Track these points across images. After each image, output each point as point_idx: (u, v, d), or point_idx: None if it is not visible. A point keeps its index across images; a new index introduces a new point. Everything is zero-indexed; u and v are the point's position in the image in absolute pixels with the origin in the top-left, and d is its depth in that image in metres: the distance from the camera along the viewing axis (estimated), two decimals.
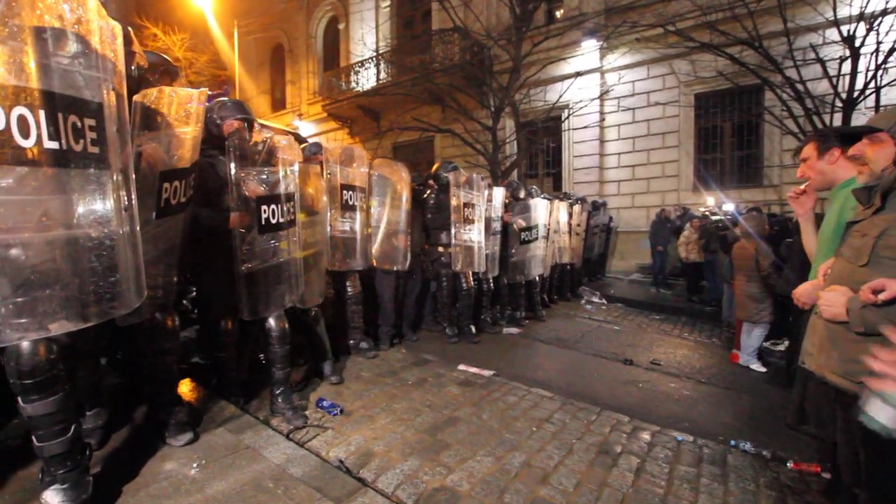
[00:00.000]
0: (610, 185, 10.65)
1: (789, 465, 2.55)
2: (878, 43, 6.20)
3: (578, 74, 10.02)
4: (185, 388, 2.78)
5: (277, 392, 2.60)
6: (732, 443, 2.79)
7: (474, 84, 10.09)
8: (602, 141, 10.59)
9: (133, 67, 1.98)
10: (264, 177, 2.36)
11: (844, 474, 1.65)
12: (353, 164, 3.63)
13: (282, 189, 2.45)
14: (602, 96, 10.24)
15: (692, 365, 4.54)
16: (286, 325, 2.58)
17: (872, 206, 1.43)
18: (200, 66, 18.16)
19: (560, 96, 9.92)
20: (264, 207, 2.34)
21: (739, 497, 2.21)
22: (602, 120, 10.45)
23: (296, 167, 2.57)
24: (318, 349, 3.24)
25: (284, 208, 2.48)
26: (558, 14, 11.27)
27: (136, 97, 1.56)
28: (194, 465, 1.95)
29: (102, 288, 1.38)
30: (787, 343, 4.80)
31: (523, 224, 5.44)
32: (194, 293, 3.07)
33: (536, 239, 5.67)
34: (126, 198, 1.52)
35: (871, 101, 6.42)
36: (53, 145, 1.26)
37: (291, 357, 2.74)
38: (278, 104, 18.78)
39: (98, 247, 1.38)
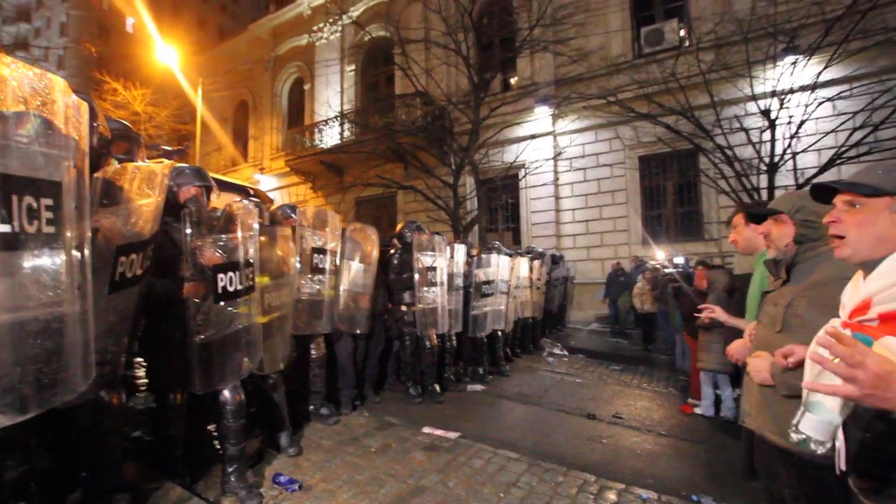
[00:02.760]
0: (566, 238, 11.13)
1: None
2: (790, 116, 7.05)
3: (533, 137, 10.71)
4: (127, 468, 2.55)
5: (230, 470, 2.44)
6: (695, 498, 2.82)
7: (436, 144, 10.55)
8: (557, 198, 11.17)
9: (95, 139, 1.98)
10: (222, 244, 2.34)
11: None
12: (325, 229, 3.65)
13: (240, 256, 2.43)
14: (555, 157, 10.94)
15: (652, 417, 4.63)
16: (242, 397, 2.47)
17: (781, 278, 1.62)
18: (161, 120, 18.08)
19: (517, 157, 10.51)
20: (221, 276, 2.29)
21: None
22: (556, 179, 11.10)
23: (255, 231, 2.57)
24: (275, 419, 3.07)
25: (243, 275, 2.44)
26: (513, 81, 12.18)
27: (97, 174, 1.55)
28: None
29: (46, 374, 1.31)
30: (737, 392, 5.00)
31: (484, 278, 5.55)
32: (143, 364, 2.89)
33: (494, 294, 5.77)
34: (80, 275, 1.48)
35: (790, 164, 7.19)
36: (5, 228, 1.23)
37: (246, 429, 2.61)
38: (240, 158, 18.77)
39: (44, 330, 1.32)
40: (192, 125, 17.71)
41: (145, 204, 1.89)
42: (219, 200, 3.04)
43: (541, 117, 11.07)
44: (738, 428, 4.19)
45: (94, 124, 1.95)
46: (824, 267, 1.50)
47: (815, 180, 7.24)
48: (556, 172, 11.08)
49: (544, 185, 11.11)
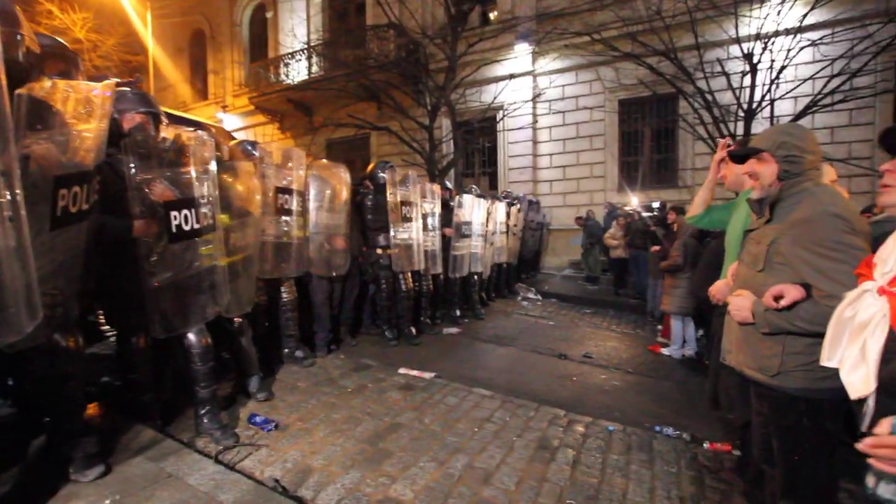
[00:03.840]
0: (543, 184, 11.06)
1: (706, 445, 2.78)
2: (772, 61, 6.94)
3: (512, 77, 10.28)
4: (94, 413, 2.49)
5: (203, 412, 2.40)
6: (657, 428, 2.99)
7: (410, 81, 10.02)
8: (535, 142, 10.96)
9: (21, 53, 1.72)
10: (174, 178, 2.14)
11: (756, 453, 1.82)
12: (289, 166, 3.44)
13: (196, 191, 2.25)
14: (534, 99, 10.59)
15: (620, 356, 4.84)
16: (209, 341, 2.39)
17: (764, 216, 1.59)
18: (107, 49, 16.38)
19: (495, 97, 10.12)
20: (175, 213, 2.12)
21: (664, 480, 2.38)
22: (535, 122, 10.82)
23: (213, 165, 2.37)
24: (244, 364, 3.00)
25: (201, 212, 2.27)
26: (493, 16, 11.49)
27: (19, 91, 1.34)
28: (107, 501, 1.74)
29: None
30: (700, 332, 5.25)
31: (464, 218, 5.49)
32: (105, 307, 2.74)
33: (472, 236, 5.73)
34: (11, 206, 1.31)
35: (767, 111, 7.17)
36: None
37: (217, 372, 2.55)
38: (200, 94, 17.44)
39: None
40: (144, 56, 16.20)
41: (86, 129, 1.68)
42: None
43: (520, 55, 10.59)
44: (700, 364, 4.46)
45: (18, 35, 1.69)
46: (807, 203, 1.47)
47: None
48: (534, 115, 10.78)
49: (522, 128, 10.83)
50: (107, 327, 3.04)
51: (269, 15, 15.04)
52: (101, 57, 16.17)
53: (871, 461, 0.93)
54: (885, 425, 0.90)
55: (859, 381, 1.03)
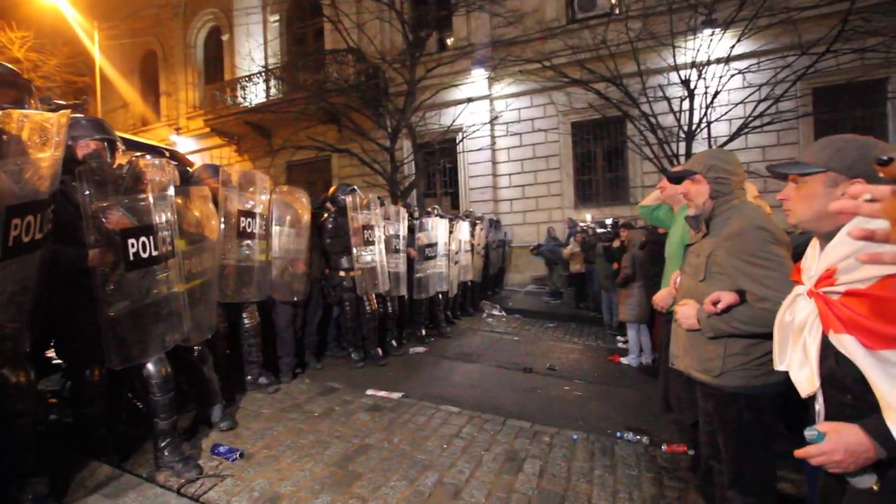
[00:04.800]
0: (503, 203, 11.37)
1: (663, 447, 2.93)
2: (706, 87, 7.56)
3: (470, 100, 10.62)
4: (45, 451, 2.34)
5: (163, 444, 2.31)
6: (618, 434, 3.13)
7: (370, 104, 10.15)
8: (494, 162, 11.30)
9: None
10: (131, 205, 2.11)
11: (704, 450, 1.96)
12: (252, 190, 3.43)
13: (154, 218, 2.22)
14: (492, 122, 10.97)
15: (582, 367, 5.00)
16: (168, 370, 2.32)
17: (701, 231, 1.78)
18: (49, 69, 15.60)
19: (454, 120, 10.40)
20: (132, 241, 2.08)
21: (626, 483, 2.49)
22: (493, 144, 11.17)
23: (171, 191, 2.35)
24: (206, 393, 2.91)
25: (159, 239, 2.24)
26: (449, 42, 11.89)
27: None
28: None
29: None
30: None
31: (427, 241, 5.57)
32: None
33: (437, 256, 5.82)
34: None
35: (705, 133, 7.76)
36: None
37: (178, 402, 2.47)
38: (151, 116, 16.88)
39: None
40: (91, 77, 15.54)
41: (41, 158, 1.65)
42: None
43: (477, 80, 10.98)
44: (655, 370, 4.68)
45: None
46: (737, 219, 1.66)
47: (727, 146, 7.91)
48: (492, 137, 11.14)
49: (481, 149, 11.16)
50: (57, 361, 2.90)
51: (225, 38, 14.89)
52: (42, 77, 15.36)
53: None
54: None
55: (805, 380, 1.11)
